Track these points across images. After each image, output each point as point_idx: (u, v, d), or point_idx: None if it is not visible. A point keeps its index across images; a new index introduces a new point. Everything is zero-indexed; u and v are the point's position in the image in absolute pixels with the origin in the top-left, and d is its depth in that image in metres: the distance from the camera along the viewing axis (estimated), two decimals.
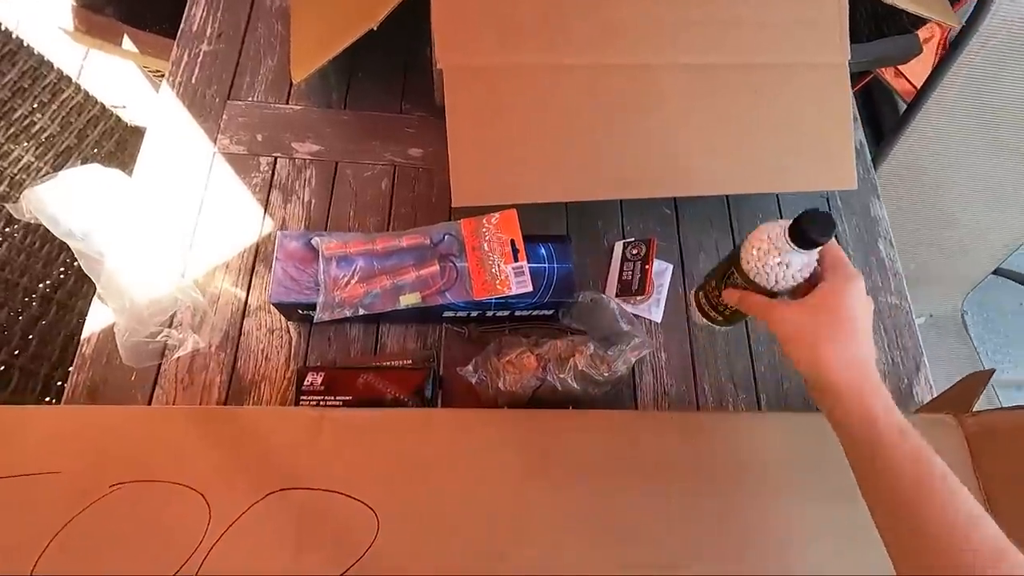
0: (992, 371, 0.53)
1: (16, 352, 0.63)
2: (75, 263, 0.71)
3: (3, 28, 0.57)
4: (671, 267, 0.65)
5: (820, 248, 0.38)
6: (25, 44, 0.59)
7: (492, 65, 0.54)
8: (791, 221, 0.38)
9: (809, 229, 0.37)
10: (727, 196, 0.70)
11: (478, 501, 0.44)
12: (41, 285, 0.66)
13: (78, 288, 0.69)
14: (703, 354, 0.62)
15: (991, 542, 0.28)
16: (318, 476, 0.43)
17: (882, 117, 1.38)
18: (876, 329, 0.66)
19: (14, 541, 0.39)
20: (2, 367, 0.62)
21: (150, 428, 0.44)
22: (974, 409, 0.53)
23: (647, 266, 0.61)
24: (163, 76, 0.87)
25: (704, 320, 0.52)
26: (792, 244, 0.38)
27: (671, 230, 0.68)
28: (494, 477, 0.44)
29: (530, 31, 0.55)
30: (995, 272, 1.07)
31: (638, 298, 0.61)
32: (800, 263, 0.40)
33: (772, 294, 0.42)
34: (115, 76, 0.84)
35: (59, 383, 0.67)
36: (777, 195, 0.71)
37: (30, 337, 0.65)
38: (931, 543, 0.29)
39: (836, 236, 0.70)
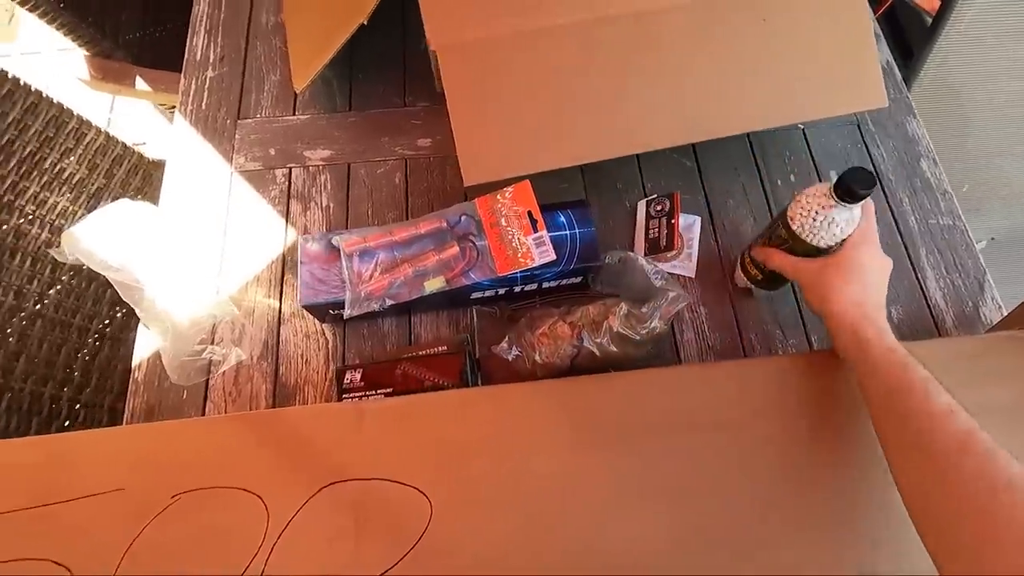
0: None
1: (80, 389, 0.67)
2: (119, 297, 0.74)
3: (23, 83, 0.60)
4: (699, 219, 0.63)
5: (862, 203, 0.43)
6: (45, 95, 0.62)
7: (484, 37, 0.53)
8: (835, 180, 0.43)
9: (852, 183, 0.42)
10: (750, 140, 0.67)
11: (527, 475, 0.43)
12: (94, 322, 0.69)
13: (127, 322, 0.73)
14: (744, 302, 0.59)
15: (963, 428, 0.33)
16: (366, 466, 0.43)
17: (911, 38, 1.29)
18: (931, 253, 0.61)
19: (90, 560, 0.40)
20: (67, 403, 0.66)
21: (201, 438, 0.45)
22: None
23: (673, 221, 0.59)
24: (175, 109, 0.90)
25: (746, 281, 0.57)
26: (836, 199, 0.43)
27: (694, 182, 0.65)
28: (540, 449, 0.44)
29: None
30: None
31: (668, 254, 0.59)
32: (843, 218, 0.44)
33: (817, 251, 0.47)
34: (132, 116, 0.88)
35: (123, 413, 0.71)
36: (803, 130, 0.68)
37: (89, 374, 0.68)
38: (913, 428, 0.35)
39: (874, 163, 0.66)
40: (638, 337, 0.49)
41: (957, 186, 0.92)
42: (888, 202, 0.64)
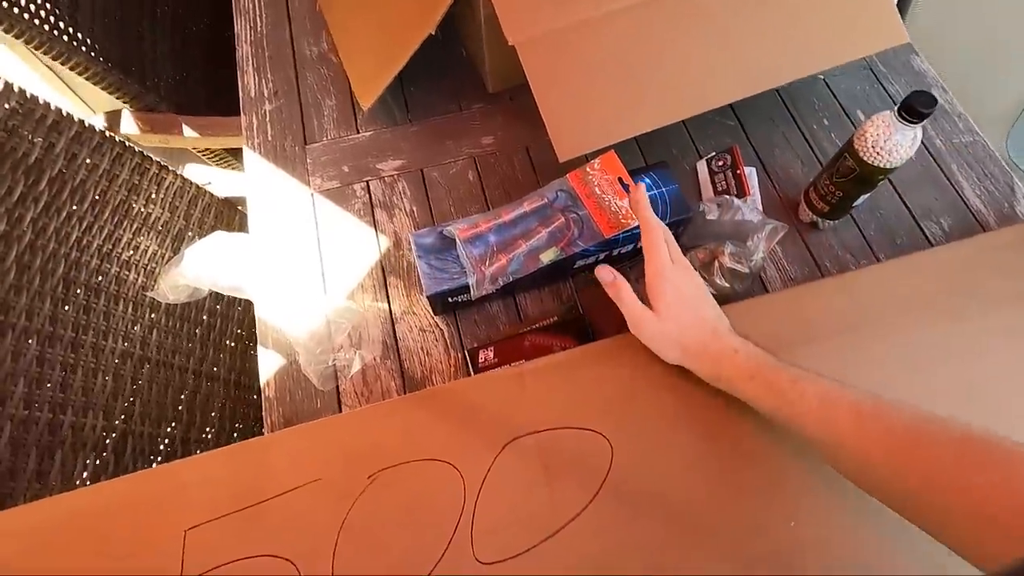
0: None
1: (188, 426, 0.68)
2: (211, 335, 0.75)
3: (108, 135, 0.62)
4: (754, 169, 0.68)
5: (924, 123, 0.50)
6: (128, 144, 0.64)
7: (555, 29, 0.58)
8: (899, 104, 0.49)
9: (915, 103, 0.48)
10: (780, 95, 0.74)
11: (687, 404, 0.47)
12: (191, 361, 0.70)
13: (218, 358, 0.74)
14: (812, 235, 0.65)
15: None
16: (540, 419, 0.46)
17: None
18: (962, 167, 0.69)
19: (307, 547, 0.42)
20: (180, 442, 0.66)
21: (378, 422, 0.48)
22: None
23: (739, 171, 0.64)
24: (215, 156, 0.93)
25: (811, 215, 0.63)
26: (901, 119, 0.49)
27: (740, 138, 0.71)
28: (690, 383, 0.47)
29: None
30: None
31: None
32: (908, 138, 0.51)
33: (883, 171, 0.53)
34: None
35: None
36: (824, 79, 0.75)
37: (193, 411, 0.69)
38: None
39: (892, 100, 0.73)
40: (747, 270, 0.53)
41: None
42: None
